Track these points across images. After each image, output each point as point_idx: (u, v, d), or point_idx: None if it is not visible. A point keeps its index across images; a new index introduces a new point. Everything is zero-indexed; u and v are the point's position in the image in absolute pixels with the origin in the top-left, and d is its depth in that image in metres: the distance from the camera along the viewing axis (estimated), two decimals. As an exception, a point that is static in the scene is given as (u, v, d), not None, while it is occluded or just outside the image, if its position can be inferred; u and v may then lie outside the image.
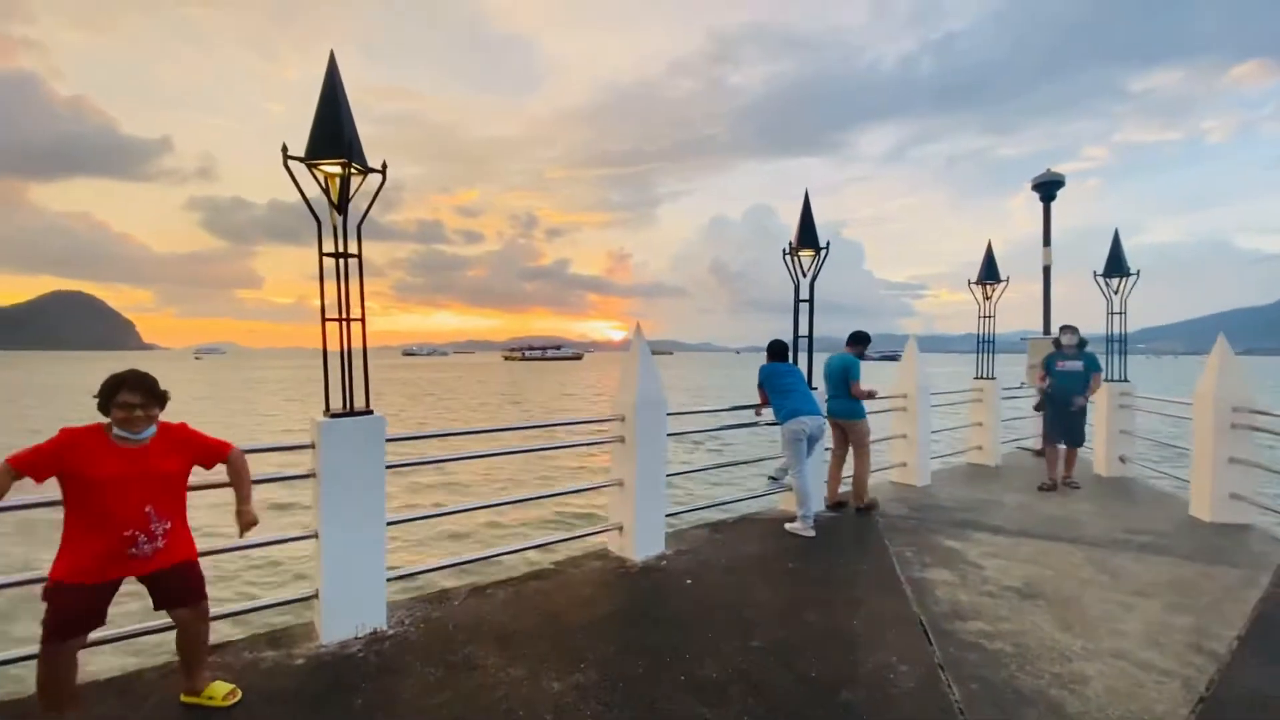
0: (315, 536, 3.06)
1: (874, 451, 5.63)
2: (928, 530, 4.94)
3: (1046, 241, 9.42)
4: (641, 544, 4.23)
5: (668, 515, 4.49)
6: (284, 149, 2.92)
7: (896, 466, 6.60)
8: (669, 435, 4.48)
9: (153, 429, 2.33)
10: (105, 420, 2.29)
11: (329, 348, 3.05)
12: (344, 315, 3.07)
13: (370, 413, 3.16)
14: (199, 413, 25.39)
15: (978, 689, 2.66)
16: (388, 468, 3.22)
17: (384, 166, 3.14)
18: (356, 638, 3.06)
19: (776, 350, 5.21)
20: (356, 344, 3.10)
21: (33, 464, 2.14)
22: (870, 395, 5.55)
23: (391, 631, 3.15)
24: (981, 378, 7.54)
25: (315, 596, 3.08)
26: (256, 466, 2.76)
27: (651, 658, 2.92)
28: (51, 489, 2.29)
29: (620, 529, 4.33)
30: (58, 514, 2.29)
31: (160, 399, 2.34)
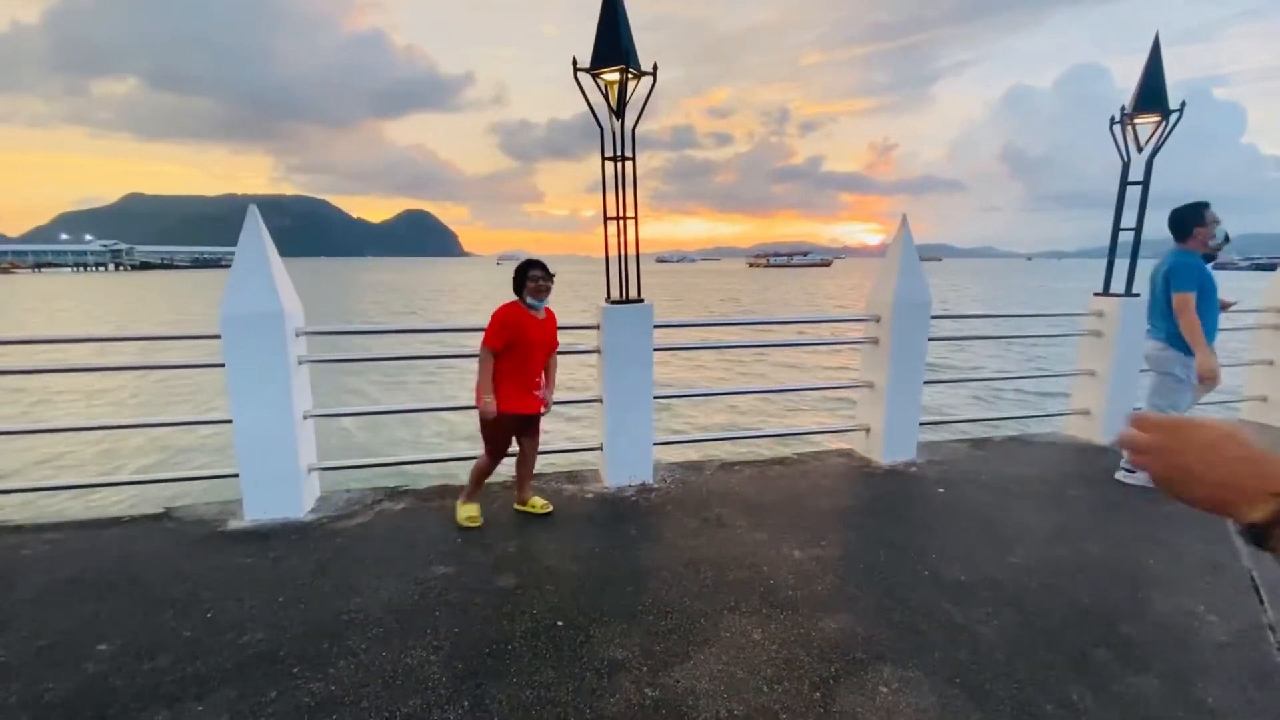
0: (600, 401, 3.72)
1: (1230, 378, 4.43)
2: (1289, 481, 3.84)
3: None
4: (890, 448, 4.15)
5: (922, 423, 4.29)
6: (574, 62, 3.31)
7: (1252, 400, 5.12)
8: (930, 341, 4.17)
9: (547, 300, 3.06)
10: (513, 299, 3.05)
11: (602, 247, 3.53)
12: (621, 214, 3.51)
13: (642, 301, 3.62)
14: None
15: (1326, 663, 2.16)
16: (655, 349, 3.69)
17: (654, 68, 3.36)
18: (630, 485, 3.72)
19: (1173, 222, 3.64)
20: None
21: (500, 342, 2.96)
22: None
23: (656, 486, 3.74)
24: None
25: (600, 448, 3.80)
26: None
27: (894, 550, 2.97)
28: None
29: (867, 431, 4.28)
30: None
31: (552, 276, 3.06)
